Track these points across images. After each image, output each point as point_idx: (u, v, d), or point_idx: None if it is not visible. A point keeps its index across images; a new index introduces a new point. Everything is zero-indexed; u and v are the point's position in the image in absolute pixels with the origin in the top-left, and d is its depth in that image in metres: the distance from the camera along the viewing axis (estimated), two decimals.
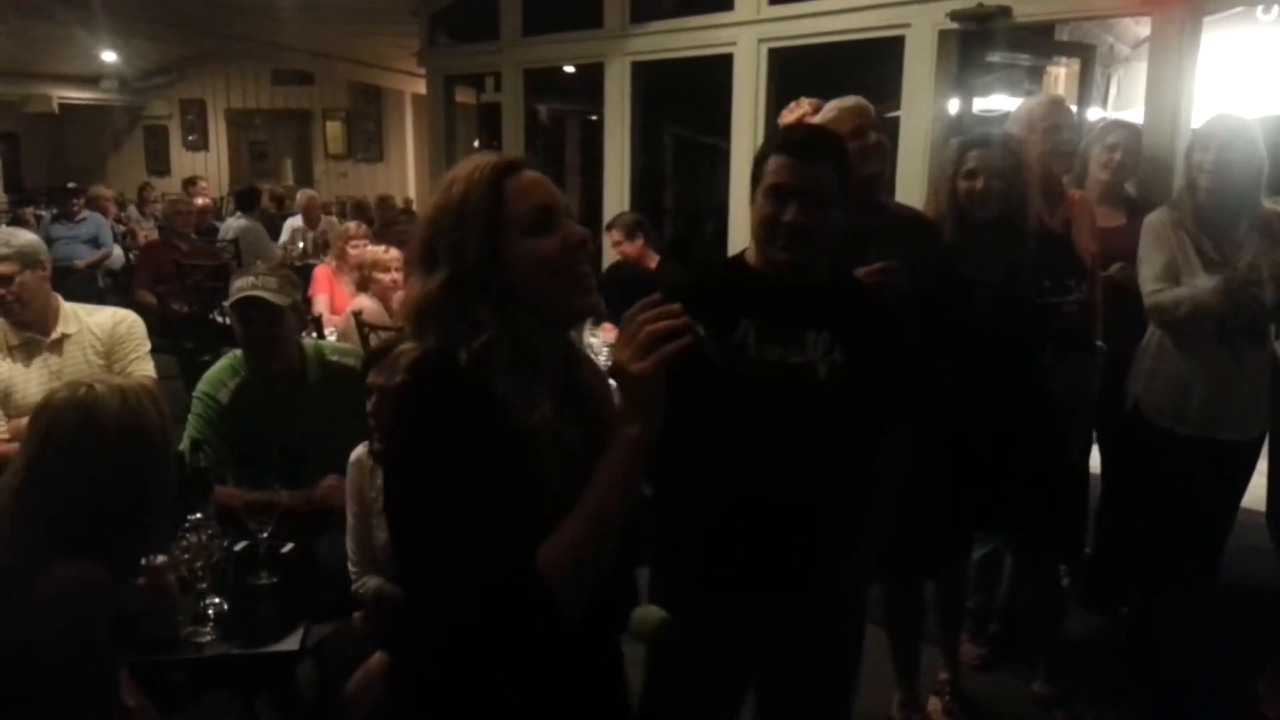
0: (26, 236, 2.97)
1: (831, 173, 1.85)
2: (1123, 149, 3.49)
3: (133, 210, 10.96)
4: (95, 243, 8.27)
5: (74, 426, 1.71)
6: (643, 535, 1.48)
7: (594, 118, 6.92)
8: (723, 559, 1.92)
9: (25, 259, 2.86)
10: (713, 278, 2.15)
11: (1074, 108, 4.07)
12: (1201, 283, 2.74)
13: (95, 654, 1.66)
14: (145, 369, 3.07)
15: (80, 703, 1.64)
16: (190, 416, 2.76)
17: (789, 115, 3.75)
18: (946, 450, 2.61)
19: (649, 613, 2.00)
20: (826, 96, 3.79)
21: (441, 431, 1.22)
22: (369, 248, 4.99)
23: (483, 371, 1.23)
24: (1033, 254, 2.61)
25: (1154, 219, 2.90)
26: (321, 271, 5.49)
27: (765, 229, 1.89)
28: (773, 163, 1.88)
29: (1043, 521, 2.84)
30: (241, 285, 2.72)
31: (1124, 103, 5.94)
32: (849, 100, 2.77)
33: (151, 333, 3.27)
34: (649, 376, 1.19)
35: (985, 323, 2.58)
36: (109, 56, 12.14)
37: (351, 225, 5.91)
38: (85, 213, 8.43)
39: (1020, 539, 2.98)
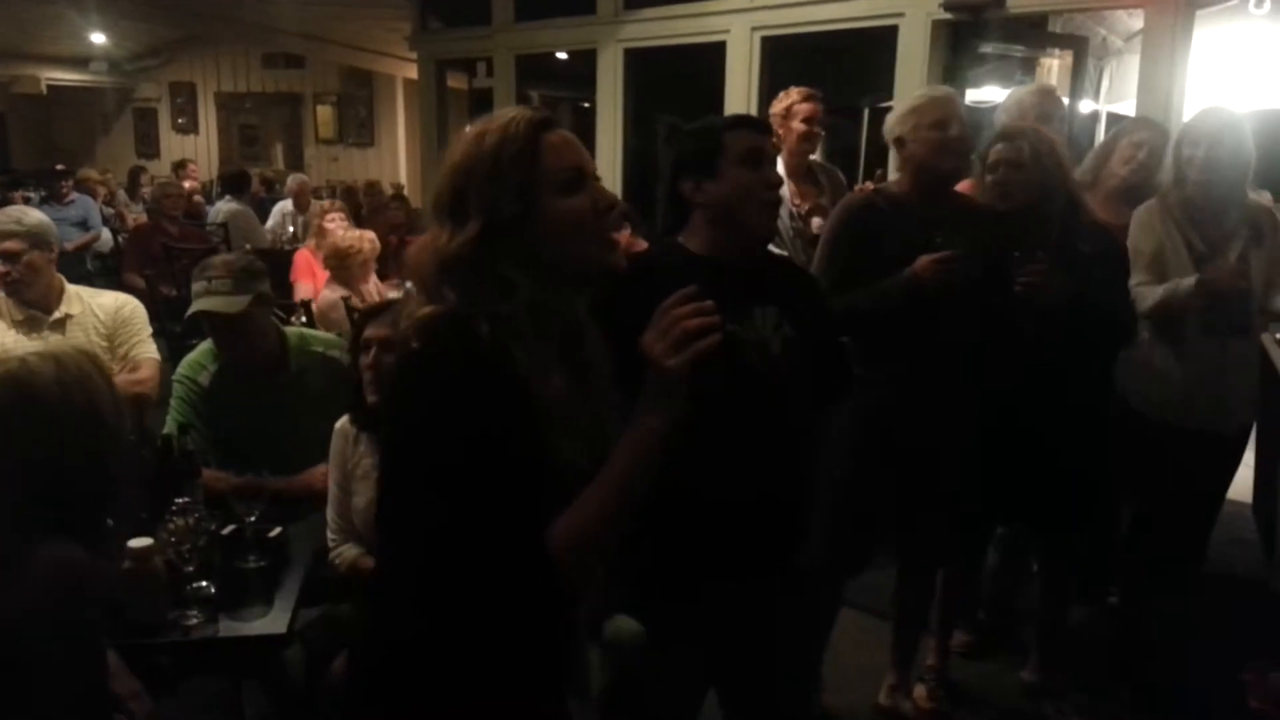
0: (37, 217, 2.97)
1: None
2: (1148, 149, 3.43)
3: (122, 193, 10.89)
4: (84, 225, 8.22)
5: (6, 403, 1.61)
6: None
7: (586, 104, 6.90)
8: (689, 547, 1.87)
9: (34, 239, 2.87)
10: (657, 263, 2.07)
11: (1066, 100, 4.07)
12: (1183, 284, 2.74)
13: (82, 640, 1.62)
14: (149, 351, 3.08)
15: (70, 691, 1.60)
16: (173, 400, 2.75)
17: (779, 104, 3.75)
18: (981, 442, 2.62)
19: (625, 624, 1.99)
20: (820, 85, 3.80)
21: (458, 406, 1.19)
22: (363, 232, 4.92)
23: (503, 340, 1.20)
24: (1051, 244, 2.59)
25: (1142, 211, 2.91)
26: (301, 257, 5.42)
27: (757, 201, 1.90)
28: (746, 136, 1.92)
29: (1073, 520, 2.83)
30: (196, 291, 2.64)
31: (1116, 95, 5.94)
32: (938, 90, 2.75)
33: None
34: (679, 371, 1.18)
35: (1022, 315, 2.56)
36: (98, 38, 12.04)
37: (326, 201, 5.96)
38: (74, 195, 8.38)
39: (1044, 536, 2.99)
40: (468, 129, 1.31)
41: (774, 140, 2.11)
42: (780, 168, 3.62)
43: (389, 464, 1.31)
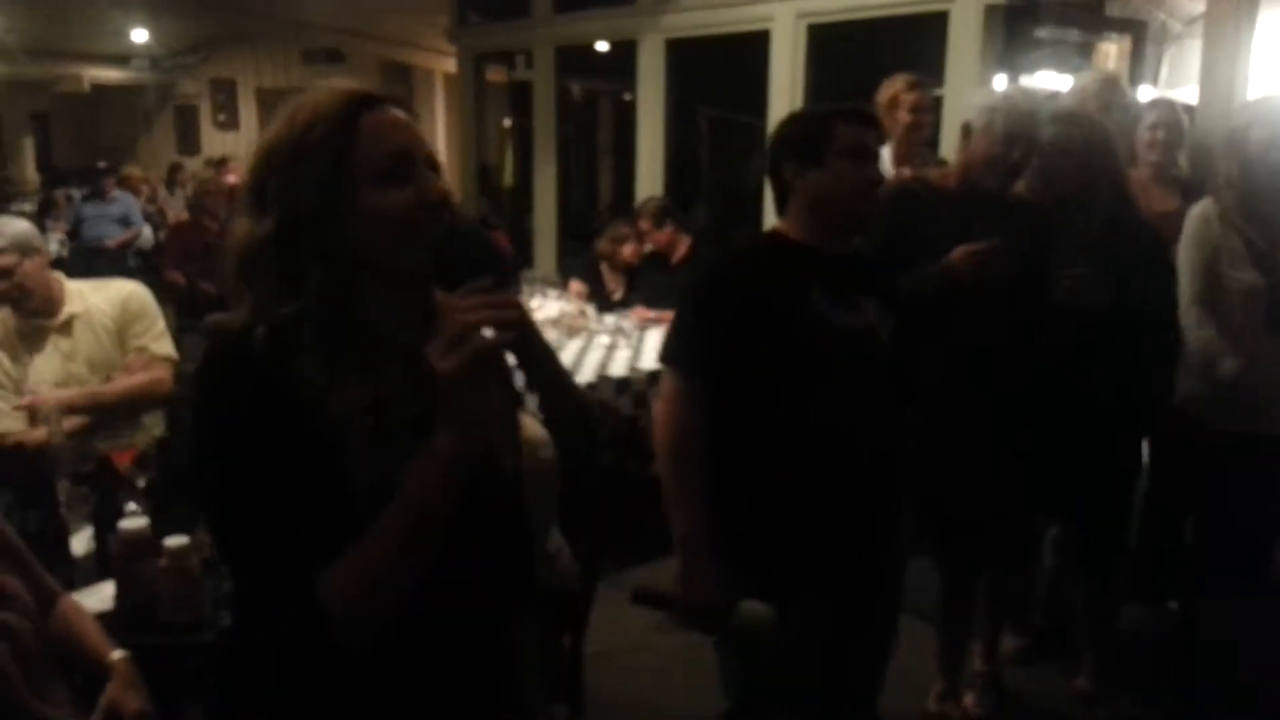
0: (20, 225, 2.90)
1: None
2: (1164, 126, 3.43)
3: (163, 190, 11.00)
4: (125, 222, 8.32)
5: None
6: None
7: (627, 97, 6.85)
8: (814, 530, 1.90)
9: (22, 248, 2.81)
10: (762, 252, 2.10)
11: (1127, 90, 3.95)
12: (1222, 362, 2.67)
13: None
14: (165, 348, 3.01)
15: None
16: None
17: (885, 94, 3.76)
18: (1026, 438, 2.58)
19: (759, 611, 1.84)
20: (867, 75, 3.73)
21: (226, 428, 1.08)
22: None
23: (283, 350, 1.07)
24: (1093, 236, 2.51)
25: (1197, 212, 2.79)
26: None
27: (856, 191, 1.94)
28: (855, 129, 1.95)
29: (1117, 518, 2.81)
30: None
31: (1176, 81, 5.78)
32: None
33: (180, 313, 3.23)
34: (456, 376, 1.00)
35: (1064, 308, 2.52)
36: (139, 35, 12.17)
37: None
38: (116, 192, 8.48)
39: (1088, 534, 2.91)
40: (287, 105, 1.15)
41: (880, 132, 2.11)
42: (888, 157, 3.61)
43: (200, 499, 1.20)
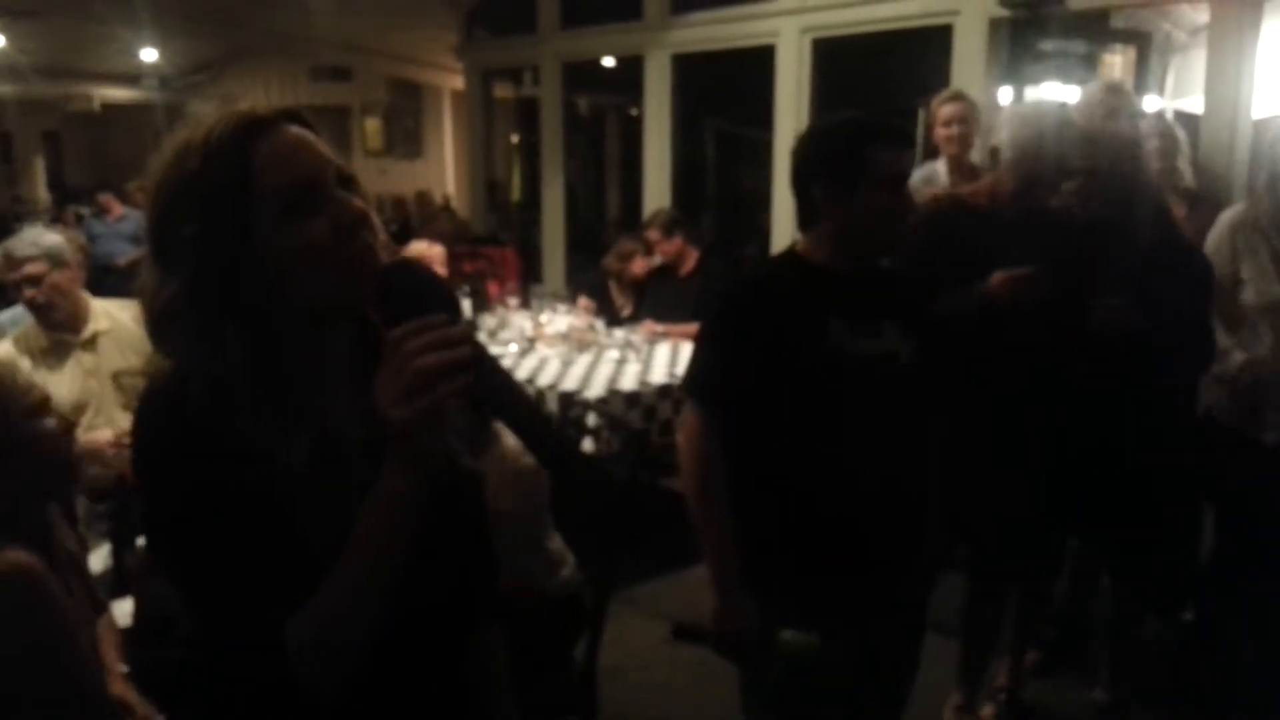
0: (52, 237, 2.94)
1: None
2: (1158, 136, 3.42)
3: None
4: (137, 240, 8.37)
5: None
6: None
7: (634, 111, 6.88)
8: (839, 557, 1.88)
9: (53, 258, 2.85)
10: (780, 278, 2.04)
11: (1132, 97, 3.96)
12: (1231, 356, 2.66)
13: (49, 645, 1.56)
14: None
15: (55, 706, 1.56)
16: None
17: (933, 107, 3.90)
18: (1056, 454, 2.56)
19: (801, 639, 1.86)
20: (872, 88, 3.76)
21: (165, 487, 1.02)
22: (414, 243, 5.00)
23: (219, 404, 0.99)
24: (1137, 258, 2.49)
25: (1225, 220, 2.79)
26: None
27: (890, 220, 1.90)
28: (891, 156, 1.88)
29: (1148, 538, 2.75)
30: None
31: (1182, 91, 5.78)
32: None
33: None
34: (416, 423, 0.95)
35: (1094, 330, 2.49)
36: (149, 55, 12.26)
37: None
38: (124, 210, 8.54)
39: (1118, 554, 2.89)
40: (172, 140, 1.05)
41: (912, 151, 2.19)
42: (942, 171, 3.84)
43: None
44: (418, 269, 1.09)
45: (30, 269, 2.82)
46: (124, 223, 8.43)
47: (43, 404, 1.74)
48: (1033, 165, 2.52)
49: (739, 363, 1.90)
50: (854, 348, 1.86)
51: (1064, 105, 3.56)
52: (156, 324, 1.03)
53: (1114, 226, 2.54)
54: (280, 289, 1.01)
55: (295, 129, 1.04)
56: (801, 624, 1.88)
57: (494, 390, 1.02)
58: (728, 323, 1.98)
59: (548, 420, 3.52)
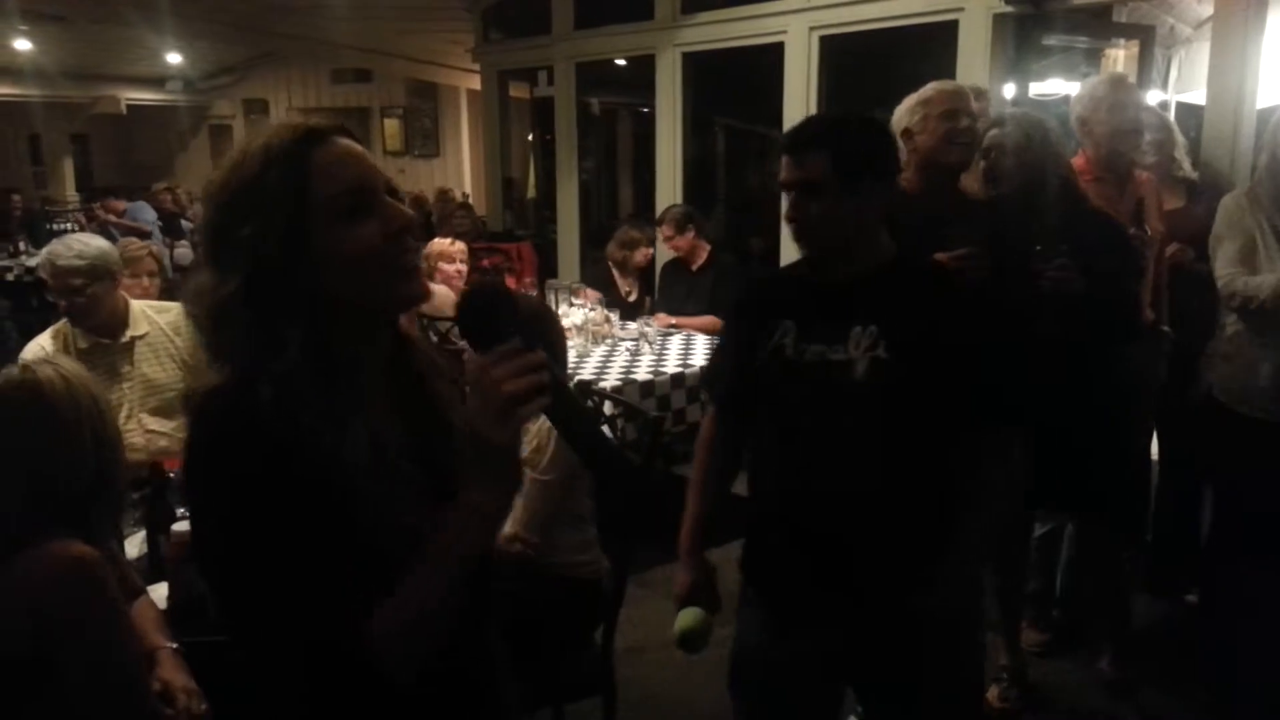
0: (98, 247, 2.94)
1: (819, 161, 1.80)
2: (1152, 129, 3.45)
3: (198, 207, 11.27)
4: (141, 233, 8.67)
5: (20, 406, 1.69)
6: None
7: (646, 110, 6.95)
8: (780, 564, 1.93)
9: (95, 271, 2.87)
10: (768, 282, 2.16)
11: (1136, 89, 4.00)
12: (1261, 368, 2.69)
13: (101, 633, 1.63)
14: None
15: (97, 688, 1.62)
16: None
17: None
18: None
19: (691, 619, 1.96)
20: (879, 83, 3.79)
21: (239, 493, 1.03)
22: (434, 240, 5.18)
23: (284, 404, 1.03)
24: (1052, 229, 2.56)
25: (1230, 201, 2.84)
26: None
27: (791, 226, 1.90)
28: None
29: (1102, 507, 2.83)
30: None
31: (1185, 85, 5.79)
32: (948, 84, 2.78)
33: None
34: (506, 445, 1.02)
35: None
36: (174, 58, 12.41)
37: None
38: (124, 204, 8.80)
39: (1080, 523, 2.97)
40: (234, 149, 1.10)
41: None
42: None
43: (194, 547, 1.13)
44: (498, 292, 1.16)
45: (69, 281, 2.85)
46: (124, 217, 8.74)
47: (108, 403, 1.85)
48: (941, 149, 2.62)
49: (727, 360, 2.05)
50: (797, 351, 1.84)
51: (1064, 99, 3.61)
52: (212, 323, 1.07)
53: (1028, 203, 2.61)
54: (330, 290, 1.06)
55: (349, 141, 1.12)
56: (771, 616, 1.97)
57: (561, 403, 1.07)
58: (727, 321, 2.12)
59: (602, 435, 3.67)
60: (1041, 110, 3.14)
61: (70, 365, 1.80)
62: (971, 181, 2.81)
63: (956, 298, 1.89)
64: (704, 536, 2.05)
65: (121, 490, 1.91)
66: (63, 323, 3.00)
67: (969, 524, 1.82)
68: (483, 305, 1.08)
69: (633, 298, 5.48)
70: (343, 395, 1.07)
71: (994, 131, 2.70)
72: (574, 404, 1.10)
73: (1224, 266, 2.76)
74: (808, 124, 1.90)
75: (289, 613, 1.04)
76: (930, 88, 2.72)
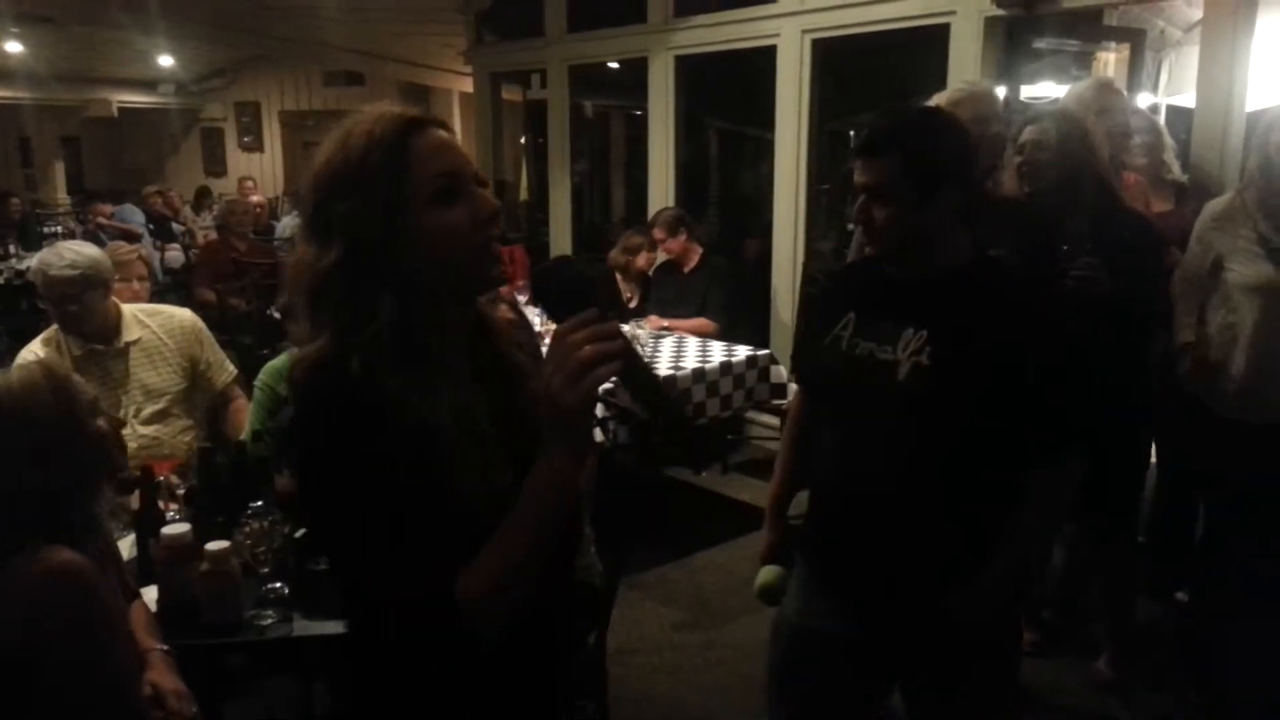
0: (90, 255, 2.93)
1: (888, 165, 1.75)
2: (1140, 132, 3.48)
3: (188, 210, 11.25)
4: (130, 235, 8.65)
5: (5, 412, 1.68)
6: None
7: (639, 112, 6.96)
8: (821, 545, 1.98)
9: (88, 280, 2.87)
10: (853, 268, 2.21)
11: (1124, 93, 4.02)
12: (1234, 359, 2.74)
13: (92, 640, 1.64)
14: (229, 370, 3.21)
15: (87, 694, 1.63)
16: (252, 405, 2.84)
17: None
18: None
19: (769, 575, 2.10)
20: (872, 87, 3.81)
21: (338, 454, 1.12)
22: None
23: (375, 372, 1.11)
24: (1085, 228, 2.57)
25: (1218, 204, 2.86)
26: None
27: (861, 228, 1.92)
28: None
29: (1123, 504, 2.84)
30: None
31: (1175, 88, 5.82)
32: (978, 86, 2.79)
33: (212, 328, 3.36)
34: (580, 409, 1.06)
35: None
36: (165, 61, 12.39)
37: None
38: (112, 209, 8.82)
39: (1096, 528, 2.97)
40: (338, 129, 1.17)
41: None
42: None
43: (301, 507, 1.23)
44: (575, 265, 1.25)
45: (66, 290, 2.84)
46: (113, 220, 8.74)
47: (95, 403, 1.84)
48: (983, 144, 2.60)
49: (806, 341, 2.14)
50: (850, 345, 1.85)
51: (1053, 103, 3.62)
52: (312, 294, 1.15)
53: (1063, 201, 2.61)
54: (418, 268, 1.14)
55: (445, 132, 1.19)
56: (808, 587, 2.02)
57: (633, 369, 1.14)
58: (806, 301, 2.18)
59: (671, 397, 3.83)
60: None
61: (52, 363, 1.79)
62: (1009, 180, 2.82)
63: (1020, 313, 1.80)
64: (786, 503, 2.15)
65: (112, 490, 1.90)
66: (53, 329, 2.99)
67: (1015, 538, 1.78)
68: (560, 278, 1.13)
69: (634, 304, 5.47)
70: (428, 366, 1.15)
71: (1031, 128, 2.69)
72: (643, 369, 1.16)
73: (1177, 328, 2.84)
74: (878, 124, 1.82)
75: (383, 569, 1.11)
76: (959, 91, 2.73)
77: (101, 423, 1.82)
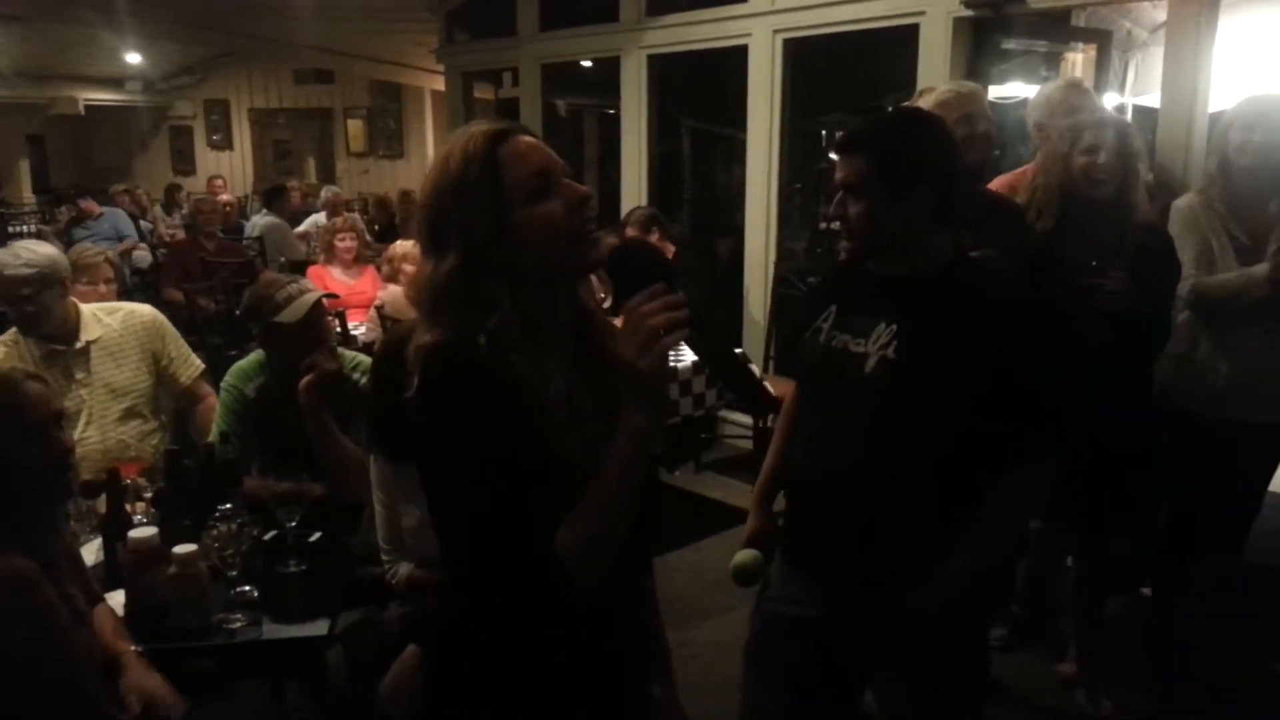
0: (44, 253, 2.90)
1: (861, 163, 1.79)
2: (1104, 144, 3.48)
3: (158, 210, 11.12)
4: (119, 237, 8.47)
5: None
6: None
7: (611, 111, 6.96)
8: (793, 540, 2.04)
9: (45, 280, 2.83)
10: (842, 266, 2.21)
11: (1093, 93, 4.06)
12: (1256, 273, 2.68)
13: (44, 645, 1.63)
14: (194, 365, 3.15)
15: (40, 699, 1.62)
16: (219, 408, 2.82)
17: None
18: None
19: (744, 556, 2.11)
20: (842, 86, 3.83)
21: (465, 422, 1.23)
22: (398, 242, 5.18)
23: (500, 353, 1.23)
24: (1115, 241, 2.59)
25: (1183, 204, 2.89)
26: (313, 272, 5.63)
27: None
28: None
29: (1118, 520, 2.85)
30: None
31: (1142, 88, 5.89)
32: (964, 85, 2.78)
33: (180, 328, 3.32)
34: (652, 371, 1.19)
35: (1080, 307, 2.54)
36: (133, 58, 12.27)
37: (339, 220, 6.33)
38: (101, 210, 8.65)
39: (1085, 535, 2.99)
40: (438, 151, 1.32)
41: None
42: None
43: (424, 478, 1.34)
44: (647, 247, 1.40)
45: (21, 290, 2.80)
46: (101, 221, 8.55)
47: (56, 416, 1.81)
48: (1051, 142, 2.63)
49: (796, 334, 2.15)
50: (828, 337, 1.90)
51: (1020, 103, 3.64)
52: (436, 297, 1.27)
53: (1120, 203, 2.63)
54: (529, 259, 1.27)
55: (529, 137, 1.32)
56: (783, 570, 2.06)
57: (698, 333, 1.24)
58: (775, 308, 2.25)
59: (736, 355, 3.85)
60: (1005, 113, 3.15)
61: (4, 372, 1.76)
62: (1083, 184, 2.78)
63: (993, 313, 1.80)
64: (774, 492, 2.17)
65: (69, 492, 1.88)
66: (13, 332, 2.95)
67: (978, 536, 1.78)
68: (633, 257, 1.28)
69: (608, 304, 5.45)
70: (542, 348, 1.27)
71: (1092, 133, 2.67)
72: (708, 334, 1.25)
73: (1187, 265, 2.79)
74: (859, 123, 1.93)
75: (494, 524, 1.24)
76: (947, 91, 2.74)
77: (61, 434, 1.80)
